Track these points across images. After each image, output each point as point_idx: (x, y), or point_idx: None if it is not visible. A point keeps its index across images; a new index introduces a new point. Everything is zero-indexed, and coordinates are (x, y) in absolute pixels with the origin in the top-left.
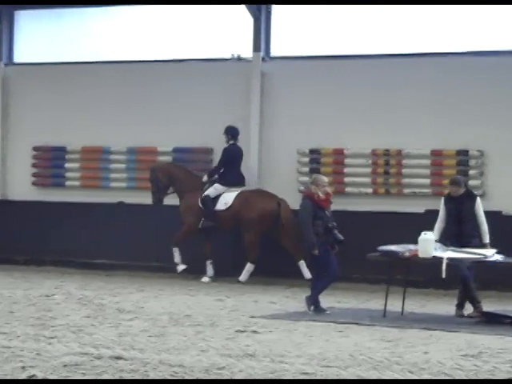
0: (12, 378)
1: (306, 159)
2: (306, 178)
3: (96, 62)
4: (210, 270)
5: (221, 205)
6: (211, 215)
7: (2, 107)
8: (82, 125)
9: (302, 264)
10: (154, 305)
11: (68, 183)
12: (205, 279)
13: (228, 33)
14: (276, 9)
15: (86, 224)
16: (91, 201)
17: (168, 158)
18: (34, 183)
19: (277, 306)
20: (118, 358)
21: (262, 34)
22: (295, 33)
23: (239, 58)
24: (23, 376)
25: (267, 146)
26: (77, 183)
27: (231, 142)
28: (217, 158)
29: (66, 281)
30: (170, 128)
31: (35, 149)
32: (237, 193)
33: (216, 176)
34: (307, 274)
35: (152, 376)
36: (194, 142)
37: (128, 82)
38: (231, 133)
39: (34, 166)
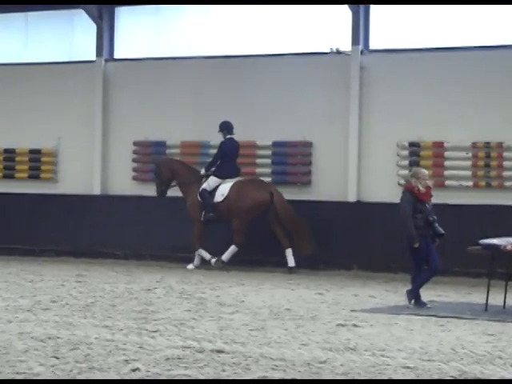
0: (115, 372)
1: (406, 152)
2: (405, 172)
3: (194, 57)
4: (197, 259)
5: (218, 197)
6: (210, 207)
7: (102, 103)
8: (181, 119)
9: (289, 252)
10: (254, 298)
11: None
12: (189, 266)
13: (327, 26)
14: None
15: (185, 219)
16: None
17: (267, 152)
18: (134, 178)
19: (377, 300)
20: (220, 351)
21: (360, 27)
22: (394, 25)
23: (338, 52)
24: (126, 369)
25: (366, 140)
26: None
27: (228, 137)
28: (315, 151)
29: (166, 275)
30: (269, 122)
31: (136, 144)
32: (231, 183)
33: (213, 169)
34: (291, 263)
35: (254, 369)
36: (293, 136)
37: (226, 76)
38: (226, 128)
39: (134, 160)
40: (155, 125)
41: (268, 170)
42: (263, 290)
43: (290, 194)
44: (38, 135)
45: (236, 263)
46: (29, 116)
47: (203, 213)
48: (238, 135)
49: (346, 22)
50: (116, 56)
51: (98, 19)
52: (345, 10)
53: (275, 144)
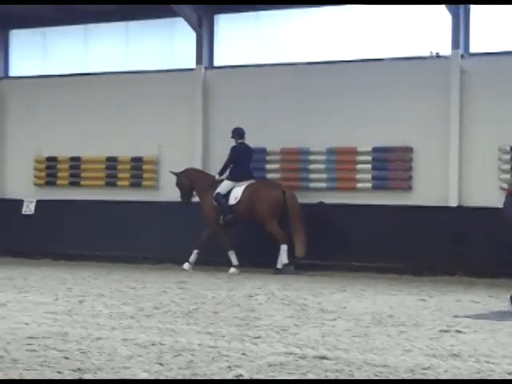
0: (218, 378)
1: (508, 156)
2: (507, 176)
3: (294, 64)
4: (234, 259)
5: (232, 200)
6: (227, 209)
7: (203, 110)
8: (281, 126)
9: (284, 248)
10: (356, 305)
11: None
12: (232, 270)
13: (426, 30)
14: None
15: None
16: None
17: (367, 158)
18: None
19: (480, 306)
20: (323, 357)
21: (460, 31)
22: (495, 28)
23: (438, 56)
24: (229, 376)
25: (467, 144)
26: None
27: (239, 141)
28: (416, 156)
29: (267, 282)
30: (369, 127)
31: None
32: (244, 186)
33: (226, 173)
34: (284, 259)
35: (357, 376)
36: (393, 141)
37: (326, 82)
38: (237, 134)
39: None
40: (255, 131)
41: (368, 176)
42: (365, 296)
43: (390, 199)
44: (140, 143)
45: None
46: (130, 124)
47: (221, 216)
48: (338, 141)
49: (445, 26)
50: (215, 63)
51: (197, 27)
52: (444, 14)
53: (375, 150)
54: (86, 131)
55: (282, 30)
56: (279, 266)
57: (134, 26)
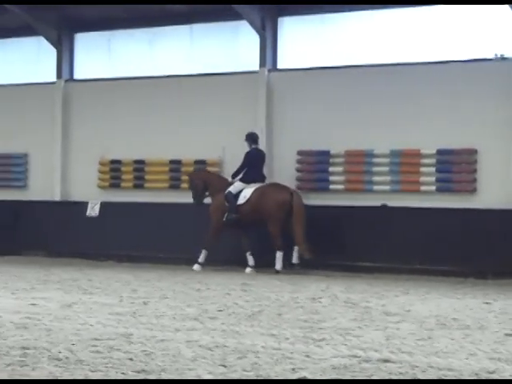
0: (281, 379)
1: None
2: None
3: (355, 66)
4: (250, 260)
5: (241, 199)
6: (234, 209)
7: (266, 112)
8: (345, 128)
9: (296, 250)
10: (420, 308)
11: (332, 187)
12: (247, 270)
13: (490, 32)
14: None
15: (350, 227)
16: (355, 204)
17: (431, 161)
18: (298, 187)
19: None
20: (386, 360)
21: None
22: None
23: (503, 58)
24: (293, 378)
25: None
26: (341, 187)
27: (253, 147)
28: (481, 159)
29: (331, 284)
30: (433, 130)
31: (299, 153)
32: (255, 188)
33: (239, 176)
34: (295, 260)
35: (421, 379)
36: (457, 144)
37: (389, 84)
38: (251, 139)
39: (298, 170)
40: (319, 134)
41: (432, 179)
42: (429, 299)
43: (454, 202)
44: (203, 146)
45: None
46: (194, 127)
47: (226, 214)
48: (402, 143)
49: (509, 27)
50: (279, 66)
51: (261, 30)
52: (508, 15)
53: (440, 152)
54: (150, 134)
55: (346, 32)
56: (278, 267)
57: (198, 28)
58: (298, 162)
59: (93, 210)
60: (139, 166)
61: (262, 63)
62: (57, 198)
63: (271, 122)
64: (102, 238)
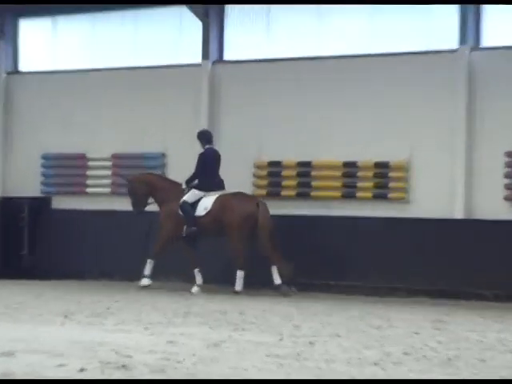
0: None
1: None
2: None
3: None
4: (198, 278)
5: (200, 210)
6: (193, 221)
7: (466, 102)
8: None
9: (274, 269)
10: None
11: None
12: (194, 289)
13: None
14: None
15: None
16: None
17: None
18: (506, 198)
19: None
20: None
21: None
22: None
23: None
24: None
25: None
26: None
27: (207, 147)
28: None
29: None
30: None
31: (509, 154)
32: (215, 197)
33: (195, 182)
34: (277, 280)
35: None
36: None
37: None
38: (204, 137)
39: (506, 176)
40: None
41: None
42: None
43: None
44: (385, 144)
45: None
46: (374, 121)
47: (185, 227)
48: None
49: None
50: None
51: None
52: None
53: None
54: (316, 130)
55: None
56: (237, 288)
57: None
58: (508, 165)
59: None
60: (304, 169)
61: (462, 41)
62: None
63: (473, 112)
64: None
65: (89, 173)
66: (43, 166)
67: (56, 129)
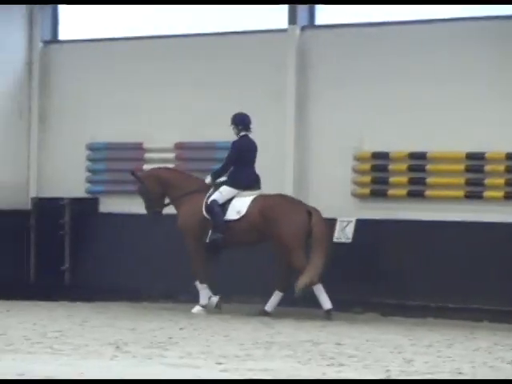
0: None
1: None
2: None
3: None
4: (204, 296)
5: (232, 213)
6: (222, 226)
7: None
8: None
9: (320, 290)
10: None
11: None
12: (196, 309)
13: None
14: None
15: None
16: None
17: None
18: None
19: None
20: None
21: None
22: None
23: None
24: None
25: None
26: None
27: (242, 134)
28: None
29: None
30: None
31: None
32: (252, 198)
33: (223, 177)
34: (327, 304)
35: None
36: None
37: None
38: (242, 122)
39: None
40: None
41: None
42: None
43: None
44: None
45: None
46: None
47: (210, 232)
48: None
49: None
50: None
51: None
52: None
53: None
54: (433, 113)
55: None
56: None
57: None
58: None
59: (343, 233)
60: (417, 162)
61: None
62: None
63: None
64: (358, 277)
65: (146, 167)
66: (89, 158)
67: (105, 112)
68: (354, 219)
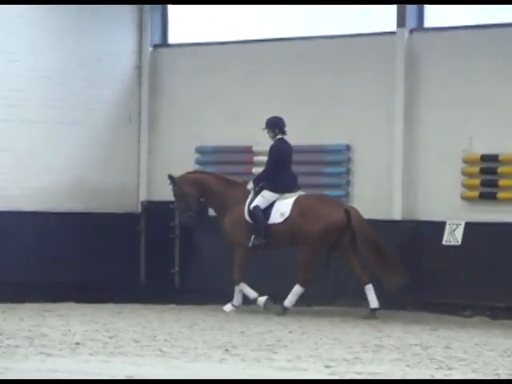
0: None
1: None
2: None
3: None
4: (239, 296)
5: (276, 216)
6: (263, 230)
7: None
8: None
9: (370, 289)
10: None
11: None
12: (227, 307)
13: None
14: None
15: None
16: None
17: None
18: None
19: None
20: None
21: None
22: None
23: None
24: None
25: None
26: None
27: (278, 137)
28: None
29: None
30: None
31: None
32: (293, 199)
33: (263, 182)
34: (374, 303)
35: None
36: None
37: None
38: (278, 126)
39: None
40: None
41: None
42: None
43: None
44: None
45: None
46: None
47: (252, 237)
48: None
49: None
50: None
51: None
52: None
53: None
54: None
55: None
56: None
57: None
58: None
59: (452, 236)
60: None
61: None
62: (396, 215)
63: None
64: (465, 279)
65: (255, 170)
66: (198, 162)
67: (215, 115)
68: (463, 222)
